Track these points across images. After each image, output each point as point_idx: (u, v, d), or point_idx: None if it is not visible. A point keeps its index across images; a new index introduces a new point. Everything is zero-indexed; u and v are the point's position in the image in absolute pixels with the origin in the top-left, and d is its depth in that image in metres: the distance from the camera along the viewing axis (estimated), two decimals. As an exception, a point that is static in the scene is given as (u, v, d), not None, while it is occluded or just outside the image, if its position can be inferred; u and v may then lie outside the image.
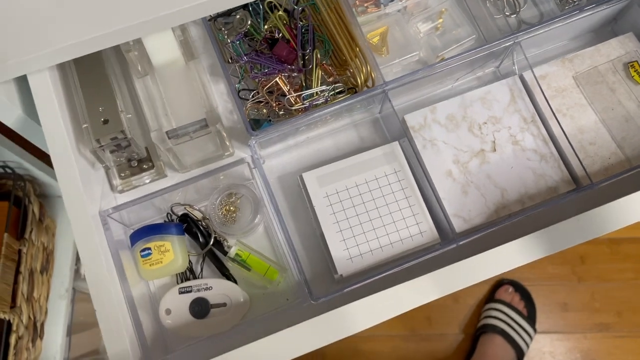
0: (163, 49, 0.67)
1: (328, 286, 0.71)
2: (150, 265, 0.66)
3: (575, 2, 0.79)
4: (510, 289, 1.58)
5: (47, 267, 0.99)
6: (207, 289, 0.68)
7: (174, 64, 0.68)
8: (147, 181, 0.74)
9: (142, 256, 0.66)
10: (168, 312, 0.66)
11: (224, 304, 0.67)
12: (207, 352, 0.61)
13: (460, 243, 0.67)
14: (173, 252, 0.67)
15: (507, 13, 0.78)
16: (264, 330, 0.61)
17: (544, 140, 0.72)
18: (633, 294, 1.64)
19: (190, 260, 0.70)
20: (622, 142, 0.71)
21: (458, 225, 0.69)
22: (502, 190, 0.70)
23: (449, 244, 0.67)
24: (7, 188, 0.92)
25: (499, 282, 1.58)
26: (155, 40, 0.66)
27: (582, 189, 0.69)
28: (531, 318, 1.51)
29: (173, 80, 0.68)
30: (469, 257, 0.64)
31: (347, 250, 0.69)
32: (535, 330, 1.49)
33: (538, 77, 0.73)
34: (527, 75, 0.73)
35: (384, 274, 0.66)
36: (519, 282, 1.60)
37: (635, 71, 0.73)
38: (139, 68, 0.69)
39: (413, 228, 0.70)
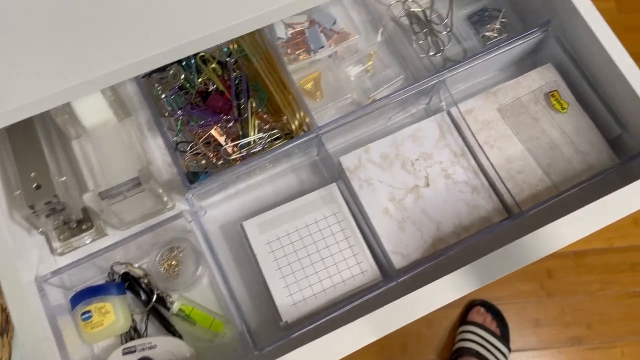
0: (93, 111, 0.67)
1: (275, 334, 0.71)
2: (91, 328, 0.66)
3: (496, 37, 0.83)
4: (482, 309, 1.59)
5: (6, 328, 0.97)
6: (151, 347, 0.67)
7: (106, 124, 0.69)
8: (88, 241, 0.74)
9: (83, 319, 0.66)
10: (112, 374, 0.66)
11: None
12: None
13: (400, 280, 0.68)
14: (114, 313, 0.66)
15: (431, 53, 0.81)
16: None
17: (474, 172, 0.74)
18: (601, 305, 1.66)
19: (134, 319, 0.70)
20: (548, 168, 0.74)
21: (397, 261, 0.70)
22: (438, 223, 0.72)
23: (389, 282, 0.68)
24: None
25: (471, 304, 1.59)
26: (84, 104, 0.67)
27: (513, 218, 0.71)
28: (505, 337, 1.53)
29: (106, 140, 0.69)
30: (408, 293, 0.65)
31: (291, 296, 0.69)
32: (509, 349, 1.50)
33: (464, 111, 0.76)
34: (454, 111, 0.76)
35: (327, 318, 0.66)
36: (490, 302, 1.62)
37: (555, 100, 0.77)
38: (72, 131, 0.69)
39: (354, 268, 0.71)
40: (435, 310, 0.64)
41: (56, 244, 0.73)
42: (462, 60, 0.77)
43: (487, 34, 0.84)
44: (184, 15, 0.61)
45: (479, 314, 1.59)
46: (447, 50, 0.82)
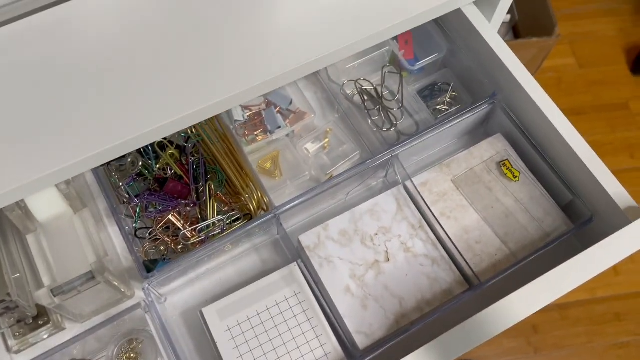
0: (48, 205, 0.67)
1: None
2: None
3: (446, 109, 0.86)
4: (470, 369, 1.56)
5: None
6: None
7: (61, 216, 0.69)
8: (45, 337, 0.72)
9: None
10: None
11: None
12: None
13: (365, 360, 0.67)
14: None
15: (385, 128, 0.83)
16: None
17: (433, 244, 0.75)
18: (589, 358, 1.64)
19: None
20: (505, 237, 0.75)
21: (361, 341, 0.69)
22: (400, 299, 0.71)
23: (354, 364, 0.67)
24: None
25: (457, 363, 1.56)
26: (38, 198, 0.67)
27: (474, 289, 0.71)
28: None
29: (61, 233, 0.68)
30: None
31: (254, 384, 0.67)
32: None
33: (419, 184, 0.78)
34: (409, 184, 0.78)
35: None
36: (477, 360, 1.59)
37: (507, 169, 0.79)
38: (28, 224, 0.69)
39: (318, 351, 0.69)
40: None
41: (12, 342, 0.70)
42: (415, 134, 0.80)
43: (438, 107, 0.87)
44: (144, 105, 0.61)
45: (467, 375, 1.55)
46: (400, 124, 0.85)
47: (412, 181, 0.76)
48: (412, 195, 0.78)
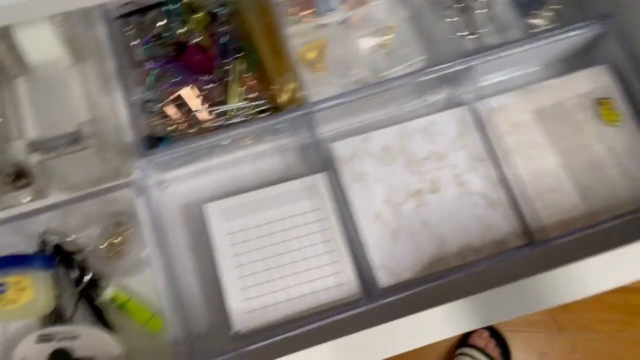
0: (40, 45, 0.56)
1: (223, 343, 0.59)
2: (3, 305, 0.55)
3: (544, 25, 0.68)
4: (486, 333, 1.47)
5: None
6: (73, 337, 0.55)
7: (55, 64, 0.57)
8: (24, 201, 0.62)
9: (-5, 292, 0.55)
10: (22, 363, 0.54)
11: (91, 359, 0.55)
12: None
13: (384, 301, 0.55)
14: (33, 290, 0.55)
15: (465, 33, 0.67)
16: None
17: (493, 184, 0.60)
18: (616, 347, 1.52)
19: (59, 302, 0.58)
20: (587, 192, 0.60)
21: (384, 278, 0.57)
22: (440, 239, 0.58)
23: (370, 302, 0.56)
24: None
25: (473, 326, 1.46)
26: (30, 35, 0.55)
27: (535, 245, 0.57)
28: (506, 367, 1.39)
29: (53, 83, 0.57)
30: (391, 319, 0.52)
31: (249, 302, 0.57)
32: (509, 381, 1.37)
33: (493, 108, 0.62)
34: (480, 106, 0.63)
35: (288, 335, 0.54)
36: (496, 328, 1.49)
37: (606, 110, 0.62)
38: (15, 67, 0.58)
39: (330, 279, 0.58)
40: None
41: (-15, 200, 0.62)
42: (499, 45, 0.63)
43: (533, 20, 0.69)
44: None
45: (481, 338, 1.46)
46: (484, 36, 0.68)
47: (485, 103, 0.61)
48: (481, 119, 0.63)
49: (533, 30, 0.67)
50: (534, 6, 0.70)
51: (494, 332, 1.49)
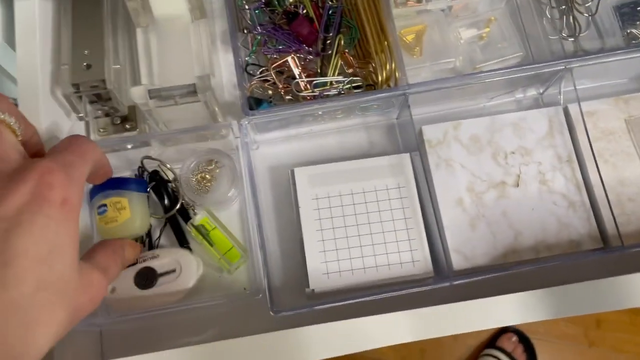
0: (168, 0, 0.59)
1: (296, 300, 0.63)
2: (105, 223, 0.59)
3: (645, 37, 0.68)
4: (514, 337, 1.47)
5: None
6: (153, 257, 0.60)
7: (177, 19, 0.61)
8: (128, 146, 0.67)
9: (99, 213, 0.59)
10: (113, 290, 0.59)
11: (173, 270, 0.59)
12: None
13: (455, 283, 0.58)
14: (130, 210, 0.59)
15: (564, 35, 0.68)
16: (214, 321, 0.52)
17: (576, 186, 0.62)
18: (644, 372, 1.51)
19: (151, 225, 0.63)
20: (669, 206, 0.61)
21: (457, 262, 0.59)
22: (517, 232, 0.60)
23: (442, 282, 0.58)
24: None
25: (504, 329, 1.47)
26: (159, -12, 0.59)
27: (610, 250, 0.59)
28: (531, 376, 1.40)
29: (174, 37, 0.61)
30: (460, 300, 0.55)
31: (326, 264, 0.60)
32: (532, 390, 1.38)
33: (585, 112, 0.63)
34: (573, 109, 0.63)
35: (362, 299, 0.57)
36: (525, 333, 1.49)
37: (701, 127, 0.62)
38: (141, 20, 0.62)
39: (405, 255, 0.61)
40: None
41: (94, 136, 0.66)
42: (600, 51, 0.64)
43: (634, 30, 0.69)
44: None
45: (509, 342, 1.47)
46: (582, 39, 0.69)
47: (579, 105, 0.62)
48: (571, 122, 0.64)
49: (635, 42, 0.67)
50: (637, 17, 0.70)
51: (523, 338, 1.49)
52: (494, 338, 1.48)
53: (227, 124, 0.61)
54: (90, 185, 0.61)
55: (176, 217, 0.64)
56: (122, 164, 0.65)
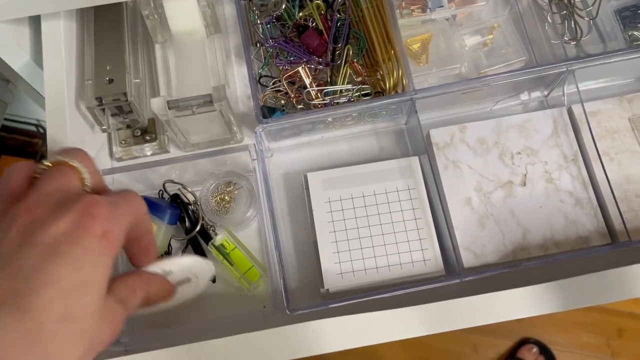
0: (184, 16, 0.63)
1: (311, 300, 0.64)
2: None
3: (646, 38, 0.70)
4: (535, 349, 1.46)
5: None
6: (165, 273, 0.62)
7: (193, 34, 0.64)
8: (148, 153, 0.70)
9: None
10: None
11: (188, 279, 0.61)
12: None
13: (465, 279, 0.59)
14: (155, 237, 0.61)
15: (566, 39, 0.70)
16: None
17: (583, 183, 0.63)
18: (666, 383, 1.48)
19: (170, 246, 0.66)
20: (676, 201, 0.62)
21: (467, 259, 0.61)
22: (525, 230, 0.62)
23: (453, 278, 0.60)
24: (37, 147, 0.91)
25: (524, 340, 1.46)
26: (177, 7, 0.62)
27: (617, 245, 0.60)
28: (552, 386, 1.38)
29: (190, 51, 0.64)
30: (471, 296, 0.56)
31: (339, 265, 0.62)
32: (554, 401, 1.36)
33: (588, 112, 0.65)
34: (576, 109, 0.65)
35: (375, 297, 0.59)
36: (546, 345, 1.47)
37: None
38: (159, 35, 0.65)
39: (416, 254, 0.62)
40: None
41: (116, 149, 0.70)
42: (602, 53, 0.66)
43: (636, 33, 0.71)
44: None
45: (530, 353, 1.45)
46: (584, 42, 0.71)
47: (583, 106, 0.64)
48: (575, 122, 0.65)
49: (637, 43, 0.69)
50: (638, 20, 0.72)
51: (543, 349, 1.48)
52: (515, 350, 1.46)
53: (245, 145, 0.63)
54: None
55: (197, 239, 0.66)
56: (142, 187, 0.68)
